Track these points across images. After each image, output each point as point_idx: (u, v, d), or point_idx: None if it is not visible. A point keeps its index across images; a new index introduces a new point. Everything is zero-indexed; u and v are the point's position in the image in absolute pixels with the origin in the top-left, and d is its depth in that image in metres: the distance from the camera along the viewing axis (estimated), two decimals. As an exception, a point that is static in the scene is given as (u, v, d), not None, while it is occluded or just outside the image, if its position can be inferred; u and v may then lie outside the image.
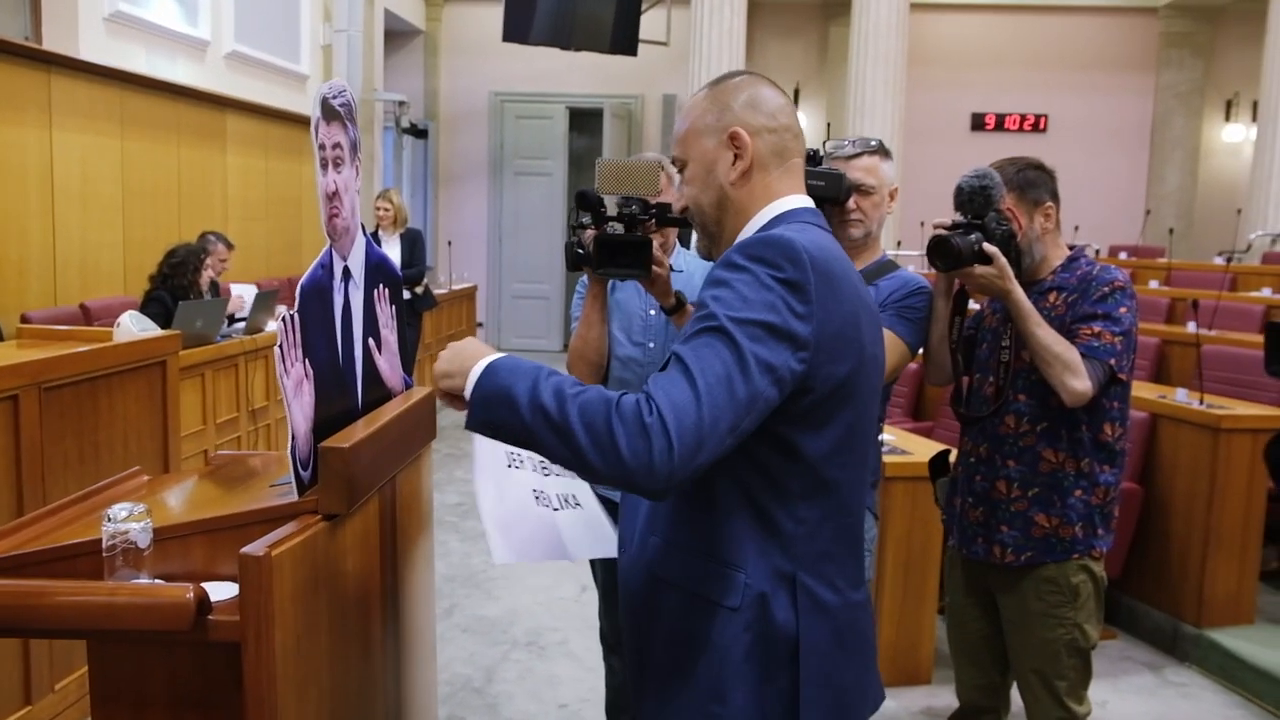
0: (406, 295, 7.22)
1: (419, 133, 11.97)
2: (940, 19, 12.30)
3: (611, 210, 2.30)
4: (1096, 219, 11.36)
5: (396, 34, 11.93)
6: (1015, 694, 2.64)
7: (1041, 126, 12.49)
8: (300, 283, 1.70)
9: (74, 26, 6.30)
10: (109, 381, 3.55)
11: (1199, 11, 12.10)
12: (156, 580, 1.59)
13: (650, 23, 10.82)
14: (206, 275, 5.81)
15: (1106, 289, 2.34)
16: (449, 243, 10.93)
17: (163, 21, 7.12)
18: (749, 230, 1.54)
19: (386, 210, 7.26)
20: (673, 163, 1.62)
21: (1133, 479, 4.29)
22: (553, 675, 3.76)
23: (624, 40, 10.50)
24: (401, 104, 11.01)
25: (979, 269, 2.29)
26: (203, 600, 1.46)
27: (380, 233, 7.28)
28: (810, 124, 11.98)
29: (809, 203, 1.57)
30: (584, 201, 2.32)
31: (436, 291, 8.91)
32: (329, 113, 1.78)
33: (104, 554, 1.54)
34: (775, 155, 1.54)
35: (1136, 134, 12.49)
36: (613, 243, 2.20)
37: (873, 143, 2.51)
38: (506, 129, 12.43)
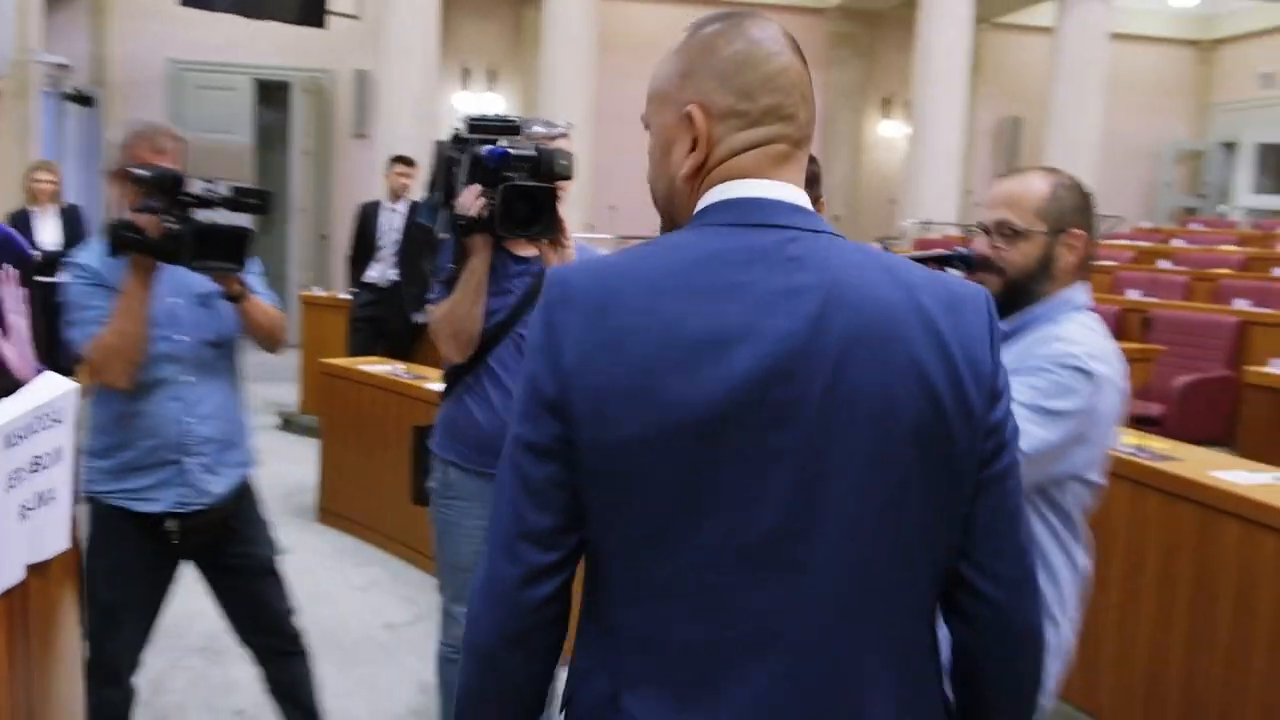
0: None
1: (84, 100, 11.02)
2: (630, 7, 12.67)
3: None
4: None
5: (57, -9, 10.90)
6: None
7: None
8: None
9: None
10: None
11: (861, 15, 13.16)
12: None
13: (341, -6, 10.50)
14: None
15: None
16: (121, 219, 10.15)
17: None
18: None
19: (51, 183, 6.67)
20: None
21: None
22: (228, 681, 3.58)
23: (311, 11, 10.12)
24: (62, 68, 10.09)
25: None
26: None
27: (35, 208, 6.66)
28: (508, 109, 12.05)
29: (759, 189, 1.09)
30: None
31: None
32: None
33: None
34: (755, 150, 1.10)
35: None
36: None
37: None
38: (186, 99, 11.64)
